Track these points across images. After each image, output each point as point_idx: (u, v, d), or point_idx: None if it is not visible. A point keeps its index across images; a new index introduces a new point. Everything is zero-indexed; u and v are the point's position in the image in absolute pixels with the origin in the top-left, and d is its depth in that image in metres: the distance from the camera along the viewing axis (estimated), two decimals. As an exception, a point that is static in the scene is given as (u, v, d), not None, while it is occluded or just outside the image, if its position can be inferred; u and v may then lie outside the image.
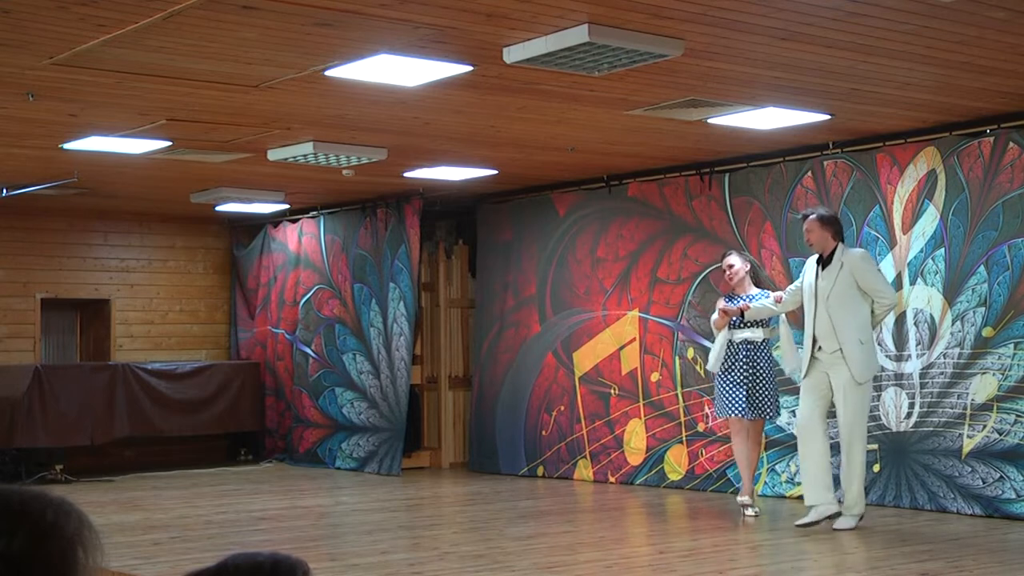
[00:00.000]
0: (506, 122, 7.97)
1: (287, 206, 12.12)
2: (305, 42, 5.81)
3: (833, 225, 7.54)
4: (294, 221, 12.59)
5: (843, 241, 7.56)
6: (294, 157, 8.70)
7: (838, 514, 7.36)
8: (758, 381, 7.97)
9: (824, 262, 7.48)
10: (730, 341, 8.03)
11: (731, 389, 8.00)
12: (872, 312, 7.43)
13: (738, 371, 8.00)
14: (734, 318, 7.98)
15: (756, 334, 8.00)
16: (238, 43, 5.81)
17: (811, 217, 7.56)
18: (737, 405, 7.96)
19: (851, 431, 7.32)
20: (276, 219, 12.74)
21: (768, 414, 8.10)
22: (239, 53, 6.00)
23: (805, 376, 7.52)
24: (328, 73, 6.39)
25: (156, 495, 9.97)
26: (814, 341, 7.45)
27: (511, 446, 11.06)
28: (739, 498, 8.16)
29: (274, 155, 8.78)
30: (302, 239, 12.47)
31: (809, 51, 6.12)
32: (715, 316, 8.15)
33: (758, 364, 7.99)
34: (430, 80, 6.56)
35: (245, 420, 12.39)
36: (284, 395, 12.55)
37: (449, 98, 7.15)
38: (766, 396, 8.00)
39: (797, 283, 7.79)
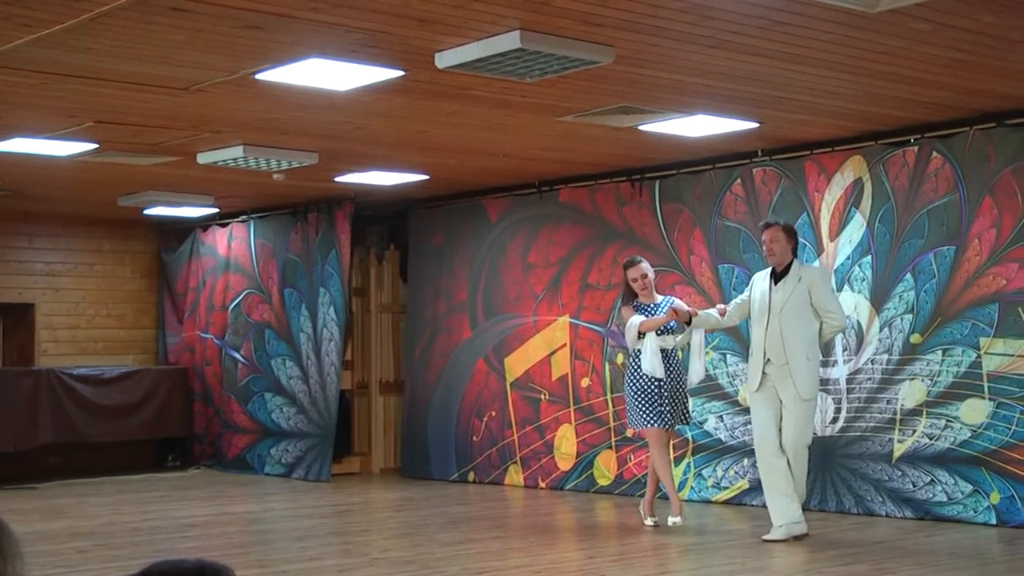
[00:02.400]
0: (438, 127, 7.97)
1: (217, 210, 12.01)
2: (235, 45, 5.76)
3: (795, 238, 7.54)
4: (224, 225, 12.48)
5: (795, 256, 7.50)
6: (224, 161, 8.63)
7: (806, 535, 7.30)
8: (679, 389, 7.86)
9: (778, 275, 7.41)
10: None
11: (652, 399, 7.77)
12: (820, 331, 7.35)
13: (650, 380, 7.78)
14: (663, 325, 7.79)
15: (669, 341, 7.82)
16: (167, 45, 5.75)
17: (775, 226, 7.43)
18: (660, 416, 7.76)
19: (795, 446, 7.30)
20: (205, 223, 12.62)
21: (687, 420, 8.07)
22: (168, 55, 5.94)
23: (756, 390, 7.42)
24: (258, 76, 6.34)
25: (81, 502, 9.82)
26: (764, 355, 7.36)
27: (442, 451, 11.04)
28: (671, 519, 7.75)
29: (203, 158, 8.70)
30: (232, 243, 12.36)
31: (737, 59, 6.18)
32: (637, 319, 7.83)
33: (675, 371, 7.84)
34: (361, 85, 6.54)
35: (173, 426, 12.26)
36: (213, 400, 12.43)
37: (381, 103, 7.12)
38: (685, 403, 7.95)
39: (744, 296, 7.65)
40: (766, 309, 7.36)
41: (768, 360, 7.32)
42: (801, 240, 8.63)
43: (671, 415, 7.80)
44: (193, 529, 8.33)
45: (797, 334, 7.25)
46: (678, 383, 7.86)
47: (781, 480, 7.28)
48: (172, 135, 8.04)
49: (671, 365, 7.82)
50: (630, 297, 8.01)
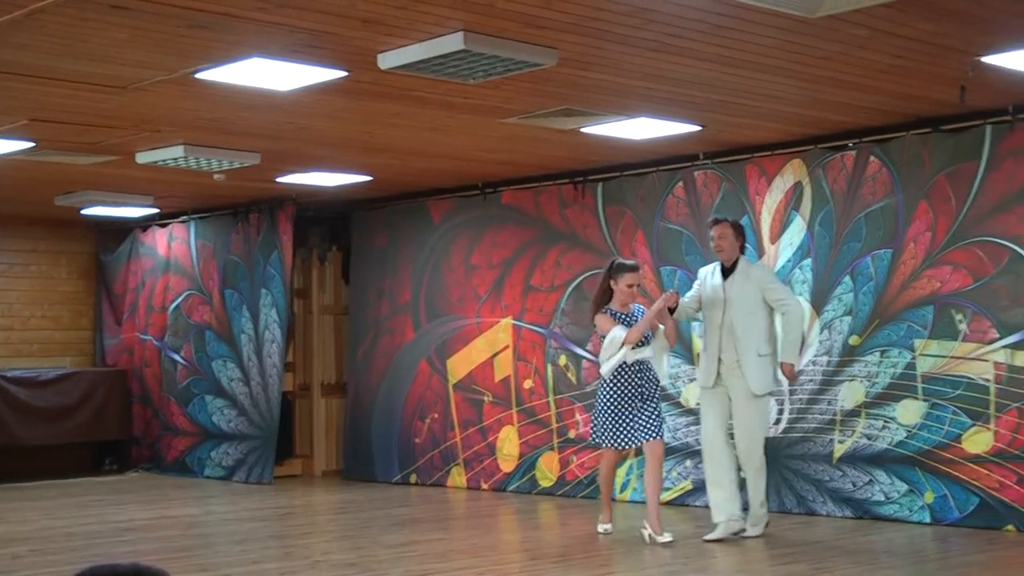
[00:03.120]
0: (381, 128, 7.95)
1: (156, 210, 11.88)
2: (176, 44, 5.71)
3: (743, 234, 7.59)
4: (163, 226, 12.36)
5: (743, 253, 7.55)
6: (164, 160, 8.55)
7: (743, 530, 7.39)
8: (652, 401, 7.42)
9: (727, 271, 7.45)
10: (624, 363, 7.36)
11: (622, 417, 7.38)
12: (789, 324, 7.31)
13: (628, 396, 7.37)
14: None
15: (647, 352, 7.39)
16: (106, 43, 5.68)
17: (724, 222, 7.47)
18: (625, 436, 7.40)
19: (750, 444, 7.36)
20: (145, 223, 12.49)
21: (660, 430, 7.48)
22: (107, 53, 5.87)
23: (708, 387, 7.43)
24: (200, 76, 6.29)
25: (16, 507, 9.68)
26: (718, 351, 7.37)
27: (385, 453, 11.01)
28: (660, 538, 7.26)
29: (143, 158, 8.61)
30: (172, 244, 12.25)
31: (680, 63, 6.23)
32: (621, 331, 7.28)
33: (652, 383, 7.44)
34: (304, 85, 6.50)
35: (111, 428, 12.11)
36: (152, 403, 12.30)
37: (323, 103, 7.09)
38: (659, 414, 7.49)
39: (694, 291, 7.62)
40: (721, 303, 7.39)
41: (721, 359, 7.38)
42: (742, 242, 8.71)
43: (640, 431, 7.37)
44: (131, 533, 8.24)
45: (748, 330, 7.30)
46: (653, 395, 7.43)
47: (723, 476, 7.36)
48: (111, 134, 7.95)
49: (649, 378, 7.42)
50: (603, 303, 7.50)
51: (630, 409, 7.38)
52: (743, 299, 7.31)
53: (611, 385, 7.41)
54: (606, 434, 7.48)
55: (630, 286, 7.44)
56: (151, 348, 12.34)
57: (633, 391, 7.38)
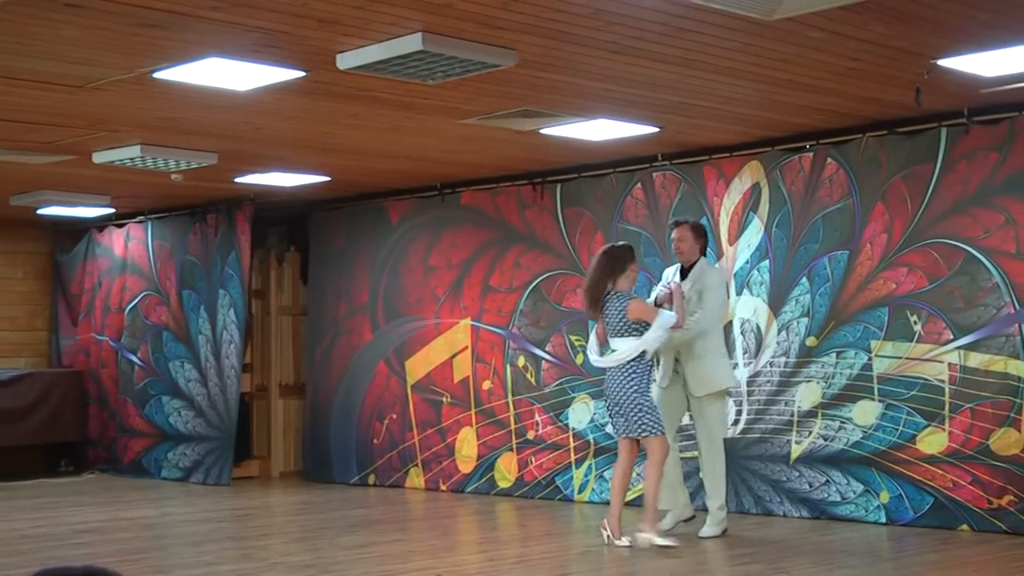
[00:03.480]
0: (339, 129, 7.92)
1: (113, 210, 11.79)
2: (132, 43, 5.67)
3: (704, 236, 7.61)
4: (120, 226, 12.26)
5: (705, 254, 7.60)
6: (120, 160, 8.49)
7: (692, 517, 7.49)
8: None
9: (685, 272, 7.50)
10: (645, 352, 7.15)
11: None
12: (683, 332, 7.28)
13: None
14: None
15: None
16: (62, 42, 5.63)
17: (684, 224, 7.51)
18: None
19: (708, 444, 7.41)
20: (101, 223, 12.38)
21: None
22: (63, 52, 5.82)
23: (665, 387, 7.50)
24: (156, 75, 6.24)
25: (-30, 509, 9.57)
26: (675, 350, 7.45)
27: (343, 454, 10.98)
28: (659, 540, 7.06)
29: (99, 158, 8.54)
30: (129, 244, 12.16)
31: (639, 64, 6.25)
32: (669, 316, 7.15)
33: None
34: (262, 85, 6.47)
35: (66, 430, 11.99)
36: (108, 404, 12.20)
37: (281, 103, 7.06)
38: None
39: (655, 294, 7.64)
40: (653, 298, 7.50)
41: (677, 359, 7.44)
42: (700, 244, 8.75)
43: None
44: (87, 535, 8.17)
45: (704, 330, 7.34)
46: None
47: (670, 471, 7.41)
48: (67, 134, 7.88)
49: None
50: (610, 288, 7.22)
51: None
52: (691, 302, 7.32)
53: (648, 369, 7.18)
54: (657, 421, 7.12)
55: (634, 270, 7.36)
56: (108, 349, 12.24)
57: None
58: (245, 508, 9.67)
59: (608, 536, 7.18)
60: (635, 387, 7.05)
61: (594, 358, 7.41)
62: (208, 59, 5.93)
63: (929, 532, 7.53)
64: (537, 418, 9.65)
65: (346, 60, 5.88)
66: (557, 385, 9.55)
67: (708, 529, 7.42)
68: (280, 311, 11.88)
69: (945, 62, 6.26)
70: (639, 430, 7.07)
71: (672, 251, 7.67)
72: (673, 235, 7.56)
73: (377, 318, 10.84)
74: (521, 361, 9.79)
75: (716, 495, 7.45)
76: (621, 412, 7.12)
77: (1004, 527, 7.39)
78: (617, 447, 7.39)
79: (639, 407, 7.05)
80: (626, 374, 7.08)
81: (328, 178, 9.93)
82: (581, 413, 9.40)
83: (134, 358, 11.93)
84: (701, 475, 7.60)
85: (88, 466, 12.17)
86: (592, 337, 7.51)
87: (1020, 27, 5.67)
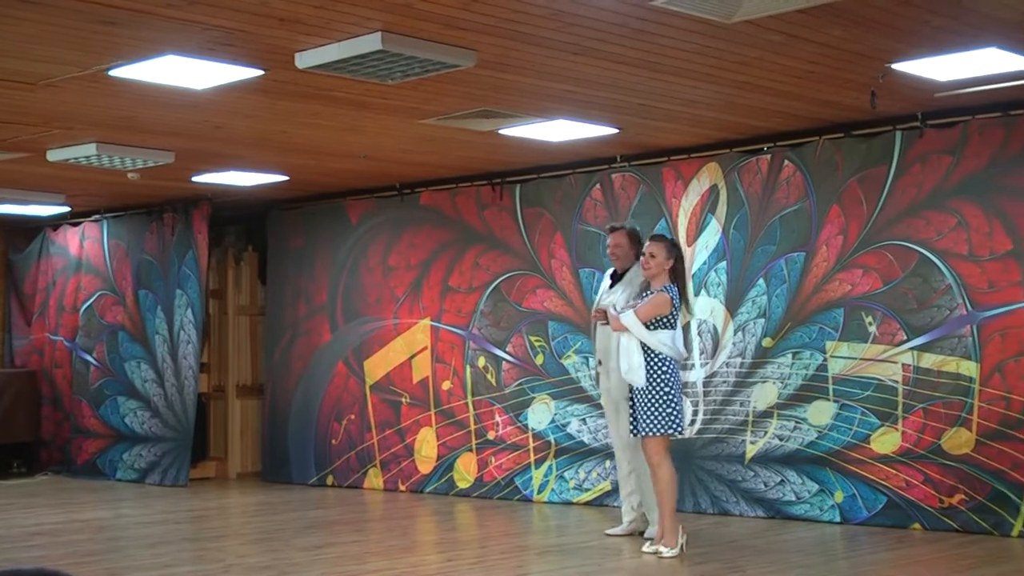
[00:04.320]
0: (298, 128, 7.89)
1: (68, 209, 11.69)
2: (88, 40, 5.62)
3: (639, 242, 7.64)
4: (75, 224, 12.16)
5: (639, 260, 7.62)
6: (76, 158, 8.41)
7: (643, 531, 7.46)
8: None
9: (617, 278, 7.55)
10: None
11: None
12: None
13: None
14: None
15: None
16: (16, 38, 5.58)
17: (620, 230, 7.55)
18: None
19: (628, 445, 7.45)
20: (56, 222, 12.27)
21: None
22: (17, 48, 5.77)
23: (602, 391, 7.60)
24: (113, 73, 6.20)
25: (-79, 511, 9.46)
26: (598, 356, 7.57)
27: (302, 455, 10.93)
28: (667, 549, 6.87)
29: (54, 156, 8.46)
30: (84, 243, 12.05)
31: (599, 66, 6.27)
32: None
33: None
34: (220, 83, 6.44)
35: (19, 431, 11.86)
36: (62, 404, 12.09)
37: (240, 102, 7.03)
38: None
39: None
40: (593, 308, 7.59)
41: (600, 361, 7.54)
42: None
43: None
44: (39, 537, 8.08)
45: (625, 334, 7.33)
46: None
47: (621, 477, 7.53)
48: (21, 131, 7.81)
49: None
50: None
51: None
52: (623, 305, 7.30)
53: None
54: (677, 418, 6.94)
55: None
56: (62, 349, 12.13)
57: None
58: (202, 509, 9.61)
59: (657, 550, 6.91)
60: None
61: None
62: (165, 57, 5.89)
63: (882, 531, 7.61)
64: (497, 418, 9.66)
65: (305, 59, 5.86)
66: (517, 385, 9.56)
67: (651, 531, 7.44)
68: (238, 311, 11.82)
69: (900, 66, 6.33)
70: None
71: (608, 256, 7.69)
72: (609, 241, 7.59)
73: (336, 318, 10.81)
74: (481, 361, 9.80)
75: (636, 494, 7.51)
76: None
77: (955, 526, 7.47)
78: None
79: None
80: None
81: (286, 177, 9.89)
82: (541, 413, 9.41)
83: (89, 358, 11.83)
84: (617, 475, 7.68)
85: (41, 467, 12.04)
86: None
87: (973, 32, 5.74)
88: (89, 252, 11.99)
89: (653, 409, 6.84)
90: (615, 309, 7.05)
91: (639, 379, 6.85)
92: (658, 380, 6.85)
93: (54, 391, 12.16)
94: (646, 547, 6.97)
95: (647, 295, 7.01)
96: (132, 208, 11.57)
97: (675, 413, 6.85)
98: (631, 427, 6.99)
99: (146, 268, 11.43)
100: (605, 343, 7.40)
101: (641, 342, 6.87)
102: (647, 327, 6.86)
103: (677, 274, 7.02)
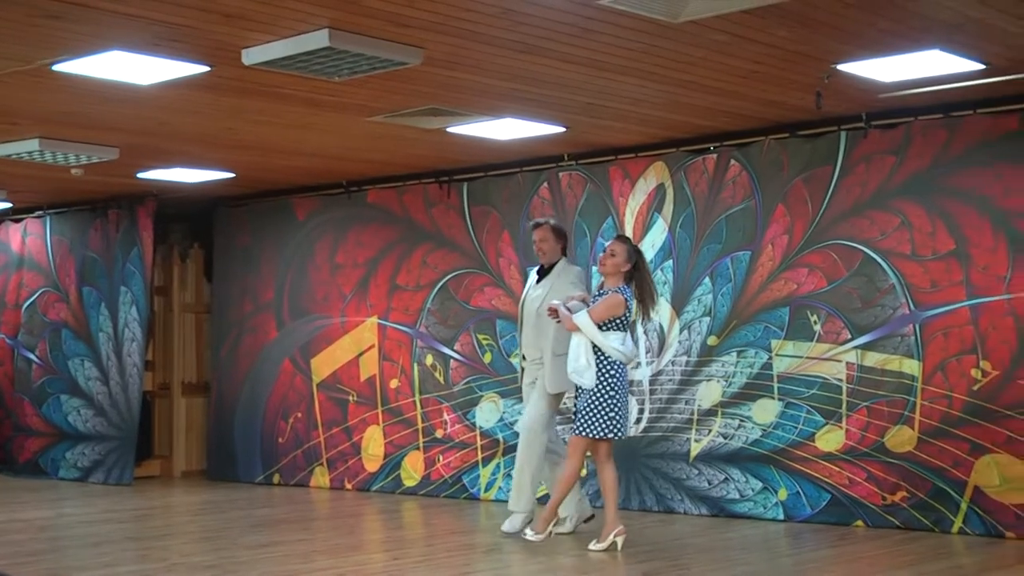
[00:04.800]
0: (244, 125, 7.84)
1: (10, 205, 11.54)
2: (31, 34, 5.56)
3: (564, 237, 7.69)
4: (17, 220, 12.01)
5: (566, 255, 7.70)
6: (18, 154, 8.32)
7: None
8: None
9: (543, 273, 7.61)
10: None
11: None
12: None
13: None
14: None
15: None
16: (-44, 31, 5.51)
17: (545, 225, 7.62)
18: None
19: (528, 435, 7.47)
20: (-2, 218, 12.13)
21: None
22: (-43, 42, 5.69)
23: (524, 386, 7.67)
24: (56, 68, 6.13)
25: None
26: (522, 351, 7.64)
27: (248, 453, 10.87)
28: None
29: (-4, 151, 8.36)
30: (26, 239, 11.91)
31: (546, 64, 6.28)
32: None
33: None
34: (165, 79, 6.39)
35: (-40, 429, 11.71)
36: (3, 403, 11.93)
37: (185, 98, 6.98)
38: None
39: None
40: (522, 306, 7.64)
41: (524, 356, 7.59)
42: (605, 243, 8.80)
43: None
44: (-19, 537, 7.98)
45: (547, 330, 7.38)
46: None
47: (529, 472, 7.50)
48: (-38, 125, 7.71)
49: None
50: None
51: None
52: (548, 300, 7.34)
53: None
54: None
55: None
56: (3, 346, 11.98)
57: None
58: (146, 508, 9.52)
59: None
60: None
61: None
62: (110, 52, 5.83)
63: (825, 528, 7.69)
64: (445, 416, 9.65)
65: (251, 56, 5.82)
66: (465, 384, 9.55)
67: (510, 523, 7.52)
68: (183, 308, 11.72)
69: (845, 67, 6.40)
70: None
71: (534, 252, 7.72)
72: (534, 236, 7.64)
73: (282, 316, 10.75)
74: (429, 359, 9.78)
75: (523, 488, 7.56)
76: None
77: (897, 523, 7.57)
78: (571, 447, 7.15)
79: None
80: None
81: (233, 174, 9.83)
82: (489, 412, 9.42)
83: (31, 356, 11.69)
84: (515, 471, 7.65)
85: (-17, 466, 11.90)
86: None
87: (918, 35, 5.81)
88: (31, 248, 11.85)
89: (594, 411, 6.90)
90: (566, 308, 7.07)
91: (588, 381, 6.89)
92: (604, 383, 6.89)
93: (-5, 389, 12.01)
94: (527, 531, 7.13)
95: (601, 295, 7.04)
96: (76, 204, 11.44)
97: (616, 417, 6.91)
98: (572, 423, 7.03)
99: (90, 265, 11.32)
100: (535, 338, 7.45)
101: (592, 343, 6.90)
102: (600, 328, 6.89)
103: (636, 279, 7.04)
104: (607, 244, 7.16)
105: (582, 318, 6.90)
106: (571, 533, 7.47)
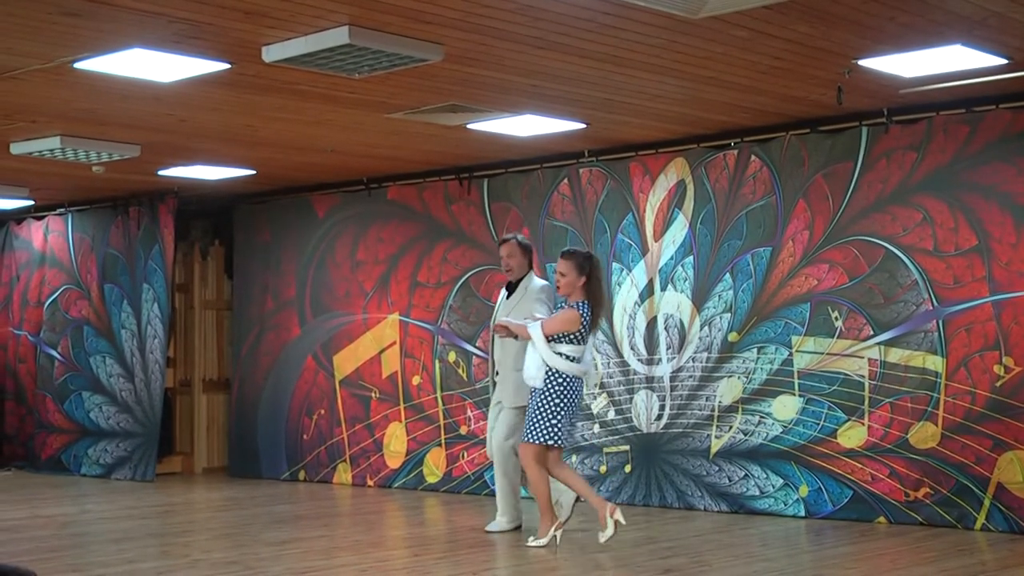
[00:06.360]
0: (264, 122, 7.86)
1: (32, 202, 11.60)
2: (52, 32, 5.58)
3: (529, 252, 7.65)
4: (39, 218, 12.07)
5: (532, 269, 7.65)
6: (40, 152, 8.35)
7: (517, 525, 7.59)
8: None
9: (512, 288, 7.59)
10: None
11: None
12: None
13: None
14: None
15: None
16: (-22, 30, 5.53)
17: (511, 241, 7.59)
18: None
19: (499, 455, 7.51)
20: (20, 216, 12.18)
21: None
22: (-21, 40, 5.72)
23: (493, 399, 7.68)
24: (77, 65, 6.15)
25: None
26: (494, 364, 7.65)
27: (272, 450, 10.90)
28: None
29: (17, 149, 8.40)
30: (48, 237, 11.96)
31: (566, 60, 6.27)
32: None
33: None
34: (186, 76, 6.41)
35: (-17, 426, 11.78)
36: (26, 399, 12.00)
37: (206, 95, 6.99)
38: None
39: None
40: (491, 321, 7.63)
41: (497, 372, 7.59)
42: (626, 240, 8.81)
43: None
44: (1, 534, 8.02)
45: (510, 345, 7.40)
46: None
47: (507, 483, 7.58)
48: (-16, 124, 7.75)
49: None
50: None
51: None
52: (513, 315, 7.35)
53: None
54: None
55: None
56: (26, 344, 12.04)
57: None
58: (167, 504, 9.56)
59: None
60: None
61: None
62: (131, 50, 5.85)
63: (847, 525, 7.66)
64: (469, 413, 9.65)
65: (272, 53, 5.84)
66: (487, 380, 9.54)
67: (495, 524, 7.59)
68: (204, 305, 11.76)
69: (866, 62, 6.37)
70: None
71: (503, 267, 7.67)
72: (502, 252, 7.61)
73: (304, 313, 10.78)
74: (451, 356, 9.79)
75: (505, 498, 7.62)
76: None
77: (920, 519, 7.53)
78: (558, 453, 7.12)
79: None
80: None
81: (253, 171, 9.85)
82: (507, 408, 9.40)
83: (54, 353, 11.75)
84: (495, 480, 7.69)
85: (4, 463, 11.96)
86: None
87: (938, 29, 5.77)
88: (54, 246, 11.91)
89: (537, 415, 6.94)
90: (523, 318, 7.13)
91: (539, 381, 6.94)
92: (551, 390, 6.91)
93: (17, 386, 12.07)
94: (530, 539, 7.10)
95: (560, 307, 7.07)
96: (97, 202, 11.49)
97: (558, 425, 6.92)
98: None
99: (111, 262, 11.36)
100: (501, 355, 7.50)
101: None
102: (550, 340, 6.89)
103: (591, 290, 6.97)
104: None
105: (534, 329, 6.95)
106: (569, 519, 7.41)
